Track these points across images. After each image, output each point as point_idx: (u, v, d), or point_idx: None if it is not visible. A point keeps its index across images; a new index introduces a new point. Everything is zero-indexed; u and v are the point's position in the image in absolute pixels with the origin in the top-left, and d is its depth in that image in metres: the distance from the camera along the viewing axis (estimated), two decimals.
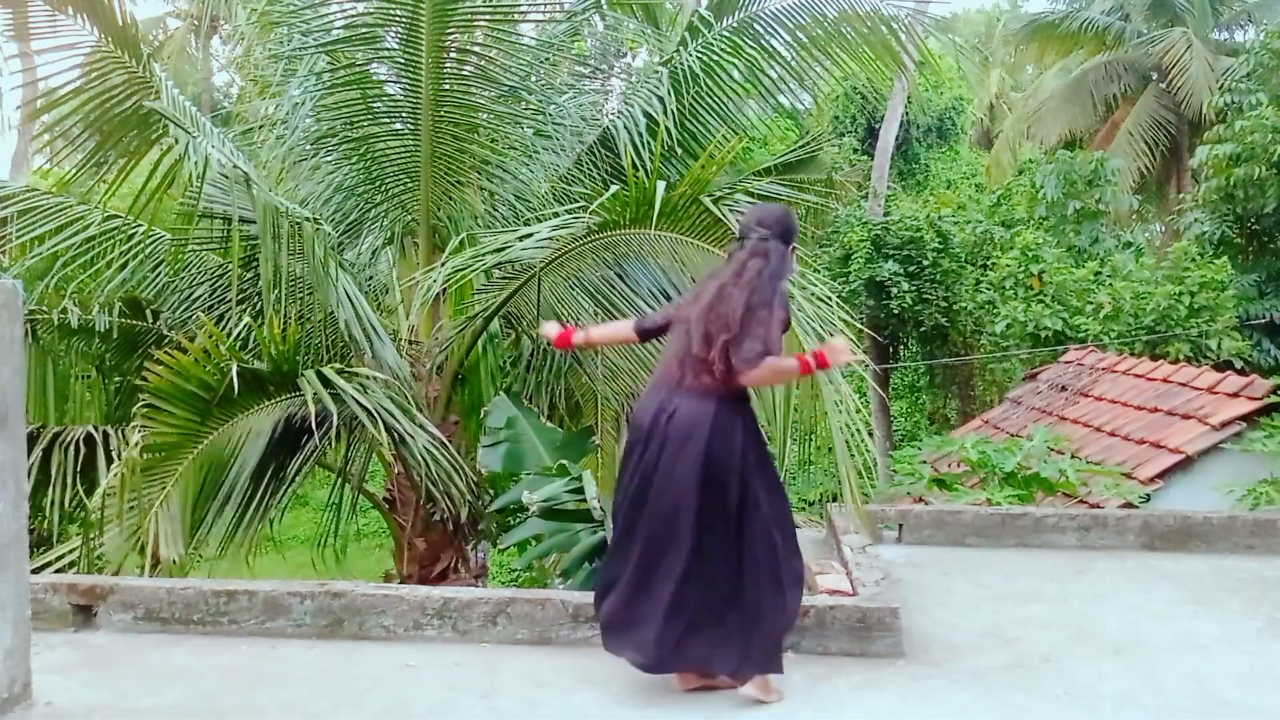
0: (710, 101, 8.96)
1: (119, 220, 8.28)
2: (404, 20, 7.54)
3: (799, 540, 4.02)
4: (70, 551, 6.95)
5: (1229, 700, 4.02)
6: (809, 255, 7.98)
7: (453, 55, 7.99)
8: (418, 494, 7.46)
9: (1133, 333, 14.24)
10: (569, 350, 4.60)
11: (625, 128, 8.40)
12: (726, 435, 3.83)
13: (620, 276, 7.82)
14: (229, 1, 10.09)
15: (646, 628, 3.82)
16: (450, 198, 8.16)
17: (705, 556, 3.81)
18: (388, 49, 7.96)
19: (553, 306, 8.11)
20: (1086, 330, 14.66)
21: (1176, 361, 12.59)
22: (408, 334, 8.20)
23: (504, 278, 7.70)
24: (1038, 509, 6.74)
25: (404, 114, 8.17)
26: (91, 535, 6.58)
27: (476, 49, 8.24)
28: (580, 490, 6.38)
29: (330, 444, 7.99)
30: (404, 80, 7.99)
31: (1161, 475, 8.92)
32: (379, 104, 8.19)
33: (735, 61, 8.88)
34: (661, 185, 6.43)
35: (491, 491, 7.76)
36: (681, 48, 8.78)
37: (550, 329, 4.64)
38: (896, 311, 19.69)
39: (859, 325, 19.64)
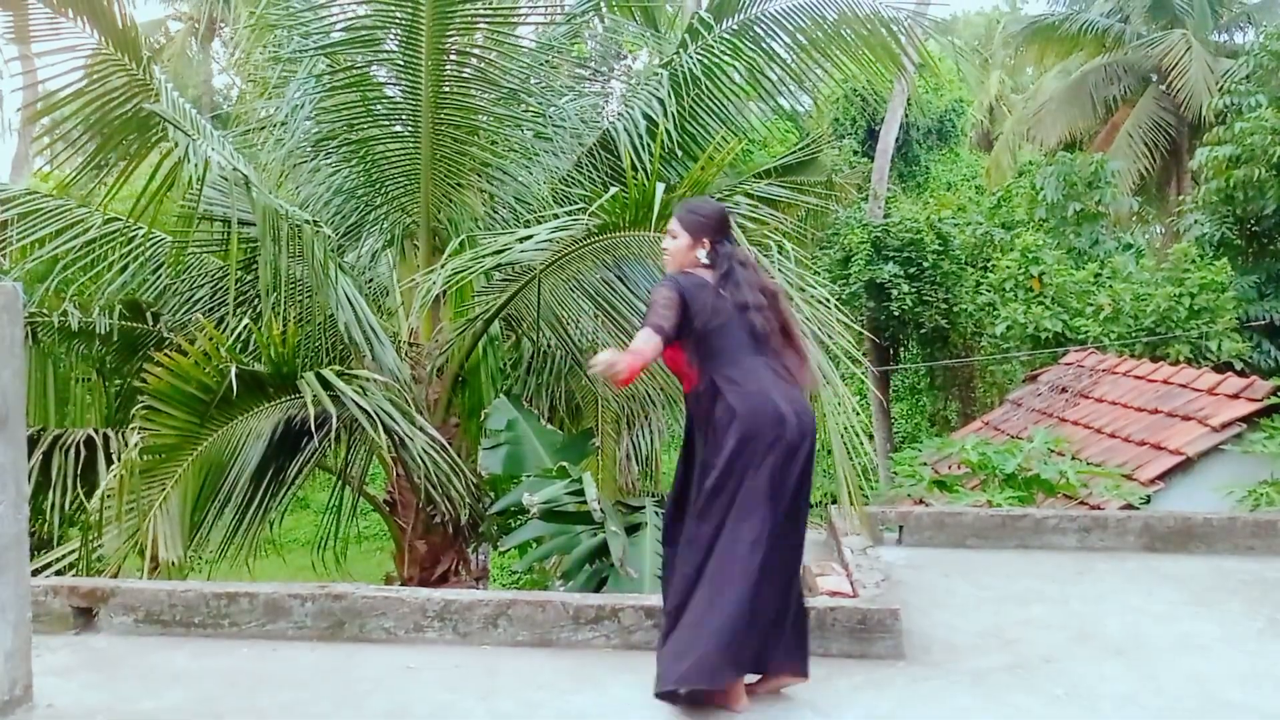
0: (710, 103, 8.95)
1: (119, 223, 8.27)
2: (404, 23, 7.54)
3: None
4: (70, 553, 6.95)
5: (1230, 701, 4.02)
6: (809, 258, 7.97)
7: (453, 58, 7.99)
8: (418, 496, 7.46)
9: (1133, 334, 14.24)
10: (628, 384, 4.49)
11: (625, 130, 8.40)
12: None
13: (620, 278, 7.83)
14: (229, 4, 10.09)
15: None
16: (450, 200, 8.16)
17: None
18: (387, 51, 7.96)
19: (553, 309, 8.13)
20: (1087, 332, 14.66)
21: (1177, 363, 12.60)
22: (408, 336, 8.19)
23: (504, 280, 7.69)
24: (1038, 510, 6.74)
25: (404, 116, 8.18)
26: (91, 537, 6.58)
27: (476, 51, 8.24)
28: (580, 492, 6.38)
29: (330, 446, 7.99)
30: (404, 83, 7.99)
31: (1162, 477, 8.91)
32: (379, 106, 8.19)
33: (735, 64, 8.87)
34: (661, 187, 6.44)
35: (492, 494, 7.76)
36: (681, 50, 8.78)
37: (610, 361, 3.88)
38: (897, 313, 19.68)
39: (858, 328, 19.72)
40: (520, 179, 8.57)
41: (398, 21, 7.60)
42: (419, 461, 6.89)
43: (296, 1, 8.48)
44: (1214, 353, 13.71)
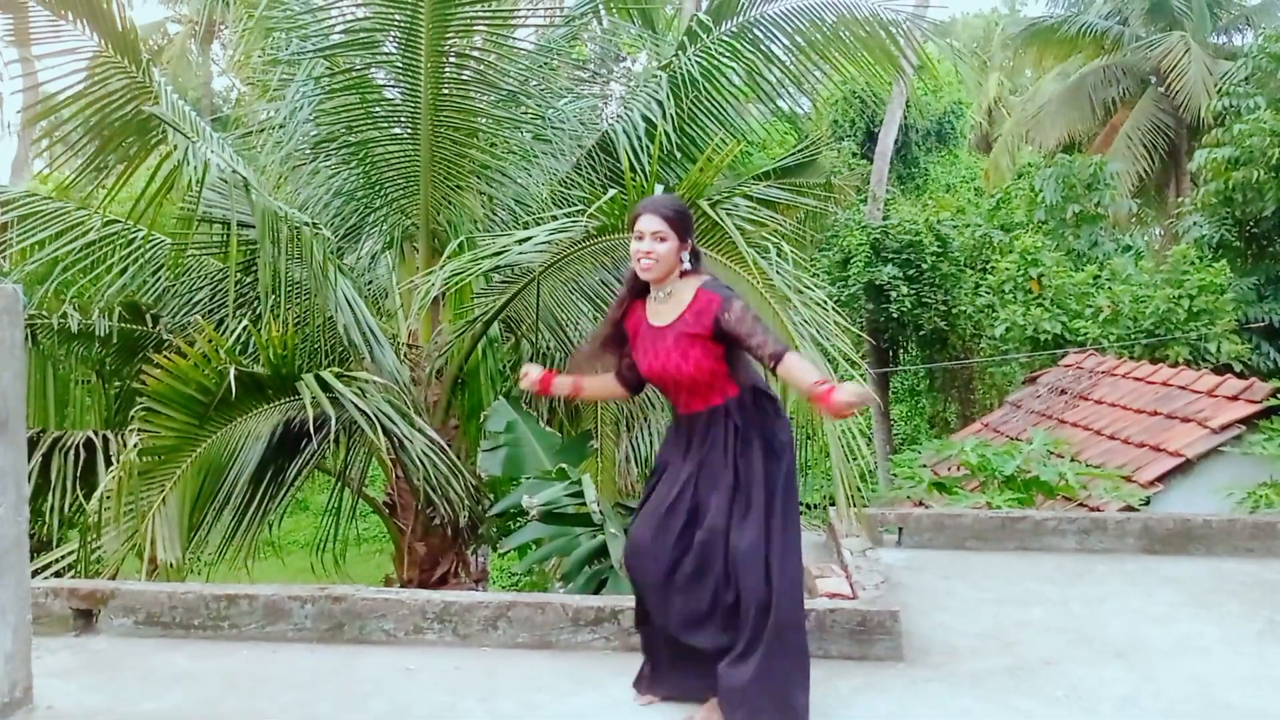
0: (709, 106, 8.95)
1: (119, 225, 8.28)
2: (402, 25, 7.54)
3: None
4: (68, 554, 6.95)
5: (1229, 703, 4.02)
6: (807, 260, 7.98)
7: (452, 60, 7.99)
8: (417, 498, 7.46)
9: (1132, 336, 14.25)
10: (547, 395, 4.39)
11: (624, 132, 8.40)
12: None
13: (619, 281, 7.82)
14: (228, 6, 10.09)
15: None
16: (449, 202, 8.16)
17: None
18: (386, 54, 7.96)
19: (552, 311, 8.13)
20: (1086, 334, 14.67)
21: (1176, 365, 12.60)
22: (407, 338, 8.20)
23: (503, 282, 7.70)
24: (1038, 512, 6.74)
25: (403, 119, 8.18)
26: (89, 539, 6.58)
27: (475, 54, 8.24)
28: (580, 494, 6.38)
29: (329, 448, 7.99)
30: (403, 85, 7.99)
31: (1161, 478, 8.92)
32: (378, 109, 8.19)
33: (734, 66, 8.87)
34: (659, 189, 6.44)
35: (491, 496, 7.76)
36: (680, 52, 8.78)
37: (531, 375, 4.22)
38: (896, 315, 19.70)
39: (857, 331, 19.72)
40: (519, 181, 8.57)
41: (396, 24, 7.60)
42: (418, 463, 6.89)
43: (295, 4, 8.49)
44: (1213, 354, 13.72)
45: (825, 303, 6.24)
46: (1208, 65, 21.53)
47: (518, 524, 7.12)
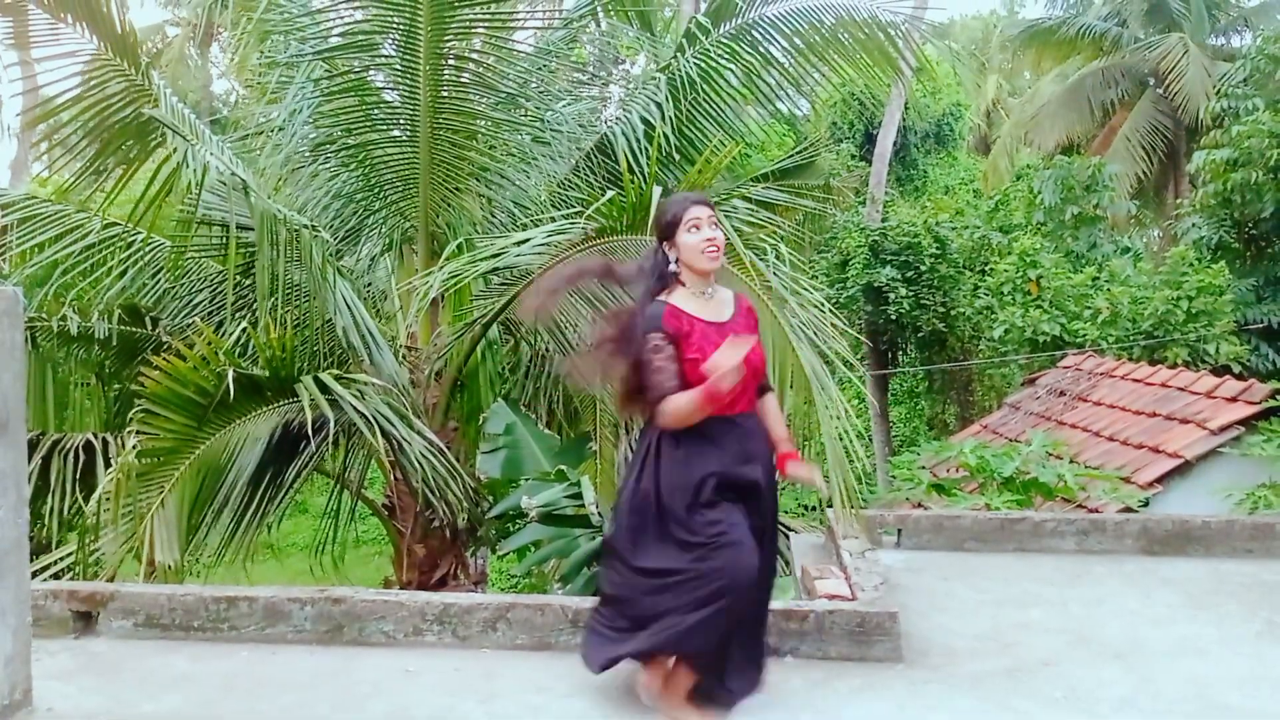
0: (708, 107, 8.96)
1: (118, 228, 8.28)
2: (401, 27, 7.55)
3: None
4: (66, 556, 6.95)
5: (1228, 704, 4.02)
6: (806, 261, 7.98)
7: (451, 62, 8.00)
8: (417, 500, 7.47)
9: (1131, 337, 14.26)
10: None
11: (623, 134, 8.41)
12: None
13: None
14: (227, 10, 10.10)
15: None
16: (449, 204, 8.17)
17: None
18: (385, 56, 7.97)
19: (550, 312, 8.11)
20: (1084, 335, 14.68)
21: (1175, 366, 12.61)
22: (406, 340, 8.20)
23: (502, 284, 7.70)
24: (1036, 514, 6.74)
25: (402, 121, 8.19)
26: (88, 540, 6.58)
27: (474, 56, 8.25)
28: (579, 496, 6.39)
29: (329, 450, 8.00)
30: (402, 87, 8.00)
31: (1160, 480, 8.93)
32: (377, 111, 8.20)
33: (733, 68, 8.88)
34: (658, 190, 6.44)
35: (491, 498, 7.77)
36: (679, 54, 8.79)
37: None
38: (894, 317, 19.71)
39: (855, 334, 19.73)
40: (518, 183, 8.59)
41: (395, 26, 7.61)
42: (417, 465, 6.89)
43: (293, 7, 8.49)
44: (1212, 356, 13.73)
45: (823, 304, 6.25)
46: (1206, 67, 21.55)
47: (517, 526, 7.13)
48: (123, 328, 8.56)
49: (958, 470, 8.96)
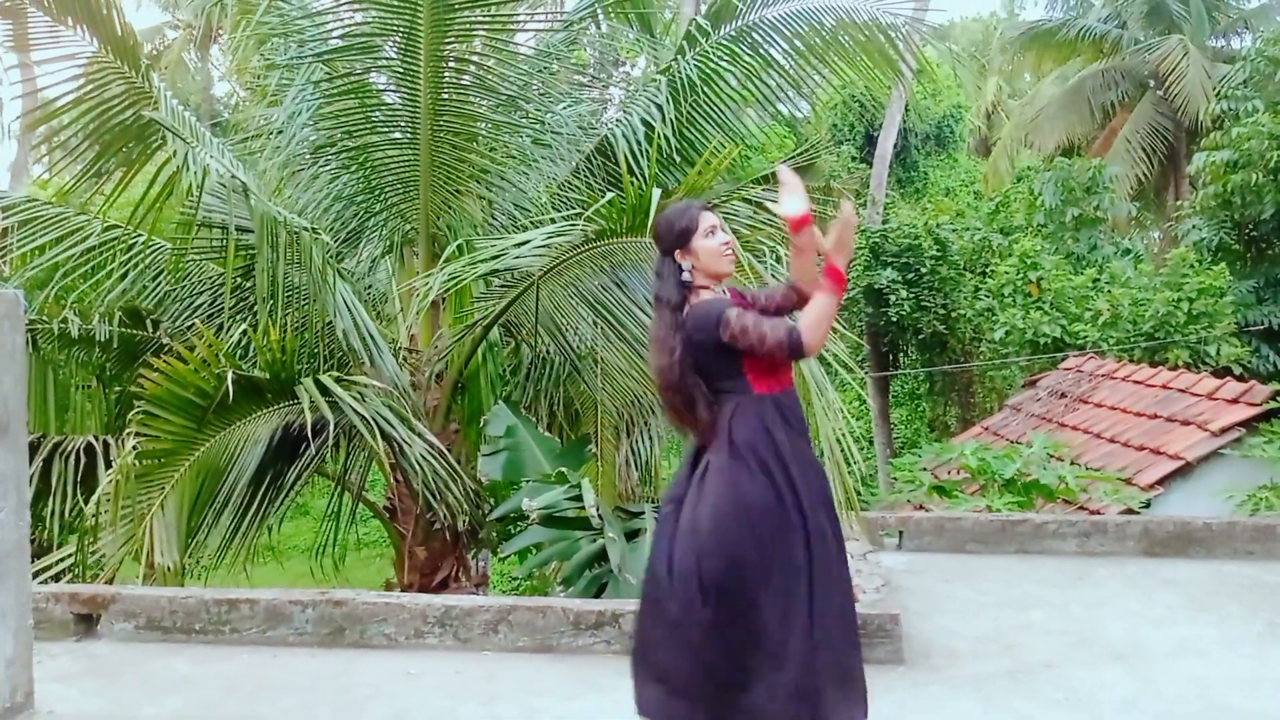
0: (708, 109, 8.95)
1: (119, 230, 8.29)
2: (402, 30, 7.55)
3: None
4: (66, 558, 6.94)
5: (1230, 705, 4.02)
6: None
7: (451, 65, 8.00)
8: (418, 503, 7.46)
9: (1131, 339, 14.26)
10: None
11: (624, 136, 8.40)
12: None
13: (618, 285, 7.83)
14: (224, 12, 10.10)
15: None
16: (449, 207, 8.17)
17: None
18: (386, 58, 7.97)
19: (551, 315, 8.12)
20: (1085, 337, 14.68)
21: (1175, 368, 12.61)
22: (407, 342, 8.20)
23: (503, 286, 7.70)
24: (1038, 515, 6.75)
25: (402, 123, 8.18)
26: (87, 541, 6.58)
27: (475, 58, 8.25)
28: (580, 498, 6.39)
29: (329, 453, 7.99)
30: (402, 89, 8.00)
31: (1161, 481, 8.92)
32: (377, 113, 8.20)
33: (733, 70, 8.87)
34: (657, 192, 6.44)
35: (492, 500, 7.76)
36: (679, 56, 8.79)
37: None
38: (895, 319, 19.69)
39: (855, 337, 19.73)
40: (519, 185, 8.58)
41: (396, 28, 7.61)
42: (417, 468, 6.89)
43: (293, 10, 8.49)
44: (1213, 357, 13.72)
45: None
46: (1206, 69, 21.54)
47: (518, 528, 7.13)
48: (123, 330, 8.56)
49: (959, 472, 8.96)
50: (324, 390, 6.52)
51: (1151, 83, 23.39)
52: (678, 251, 3.54)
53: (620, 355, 7.77)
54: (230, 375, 6.27)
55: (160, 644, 4.62)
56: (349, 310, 7.23)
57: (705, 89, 8.80)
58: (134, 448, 6.37)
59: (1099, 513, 7.97)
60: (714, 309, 3.40)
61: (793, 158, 11.51)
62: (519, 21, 9.06)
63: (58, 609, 4.68)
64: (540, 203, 8.62)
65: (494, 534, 7.77)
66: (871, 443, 22.15)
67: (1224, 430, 9.22)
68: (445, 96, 7.89)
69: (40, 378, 8.67)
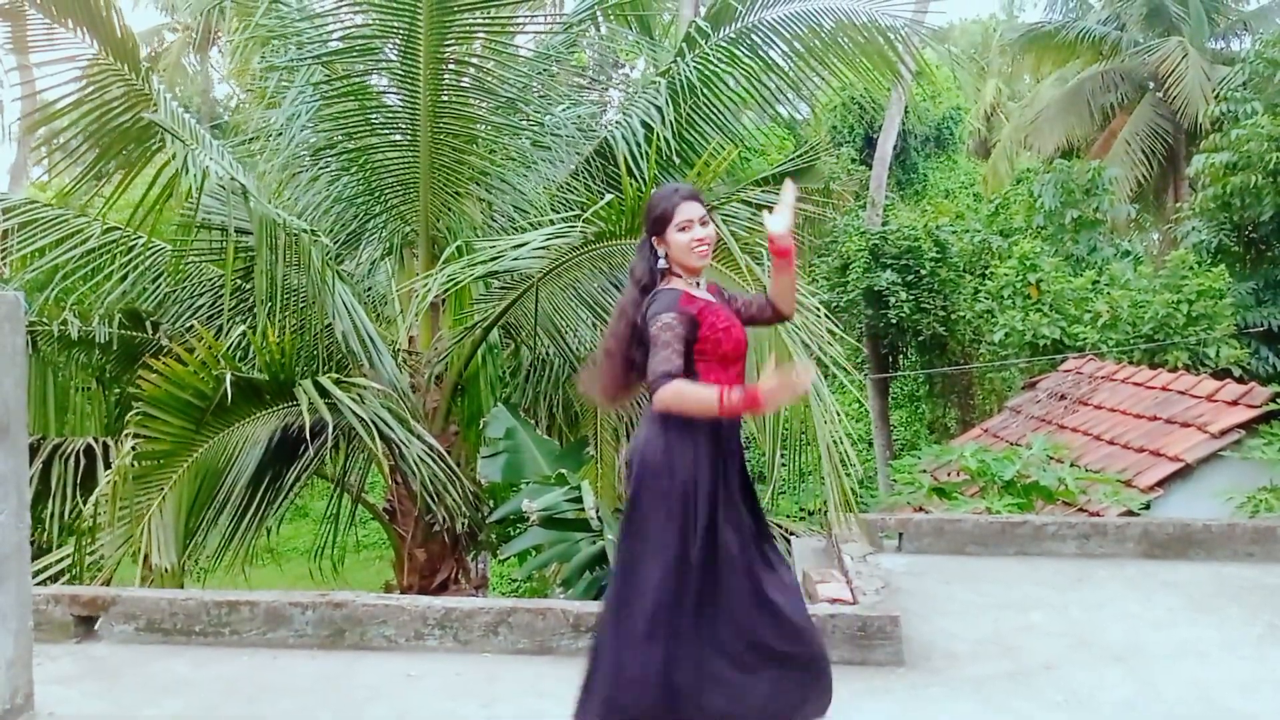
0: (708, 111, 8.96)
1: (119, 232, 8.29)
2: (402, 32, 7.55)
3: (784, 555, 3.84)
4: (63, 558, 6.94)
5: (1230, 707, 4.02)
6: (806, 266, 7.97)
7: (451, 67, 8.01)
8: (417, 505, 7.46)
9: (1131, 341, 14.25)
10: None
11: (623, 138, 8.41)
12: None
13: (617, 287, 7.83)
14: (225, 14, 10.10)
15: None
16: (449, 209, 8.17)
17: None
18: (386, 60, 7.97)
19: (550, 317, 8.13)
20: (1084, 339, 14.67)
21: (1175, 370, 12.60)
22: (406, 344, 8.20)
23: (502, 288, 7.71)
24: (1037, 517, 6.74)
25: (402, 125, 8.19)
26: (85, 542, 6.58)
27: (474, 60, 8.26)
28: (579, 499, 6.40)
29: (328, 454, 7.99)
30: (402, 91, 8.00)
31: (1161, 483, 8.92)
32: (377, 115, 8.20)
33: (732, 72, 8.88)
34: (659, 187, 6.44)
35: (491, 502, 7.76)
36: (679, 58, 8.80)
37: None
38: (895, 321, 19.68)
39: (852, 340, 19.72)
40: (519, 187, 8.59)
41: (396, 31, 7.61)
42: (417, 469, 6.89)
43: (293, 12, 8.50)
44: (1212, 359, 13.71)
45: (819, 309, 6.25)
46: (1205, 70, 21.55)
47: (518, 530, 7.14)
48: (123, 332, 8.56)
49: (958, 474, 8.96)
50: (323, 392, 6.52)
51: (1151, 85, 23.40)
52: (654, 238, 3.58)
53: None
54: (229, 377, 6.27)
55: (160, 646, 4.62)
56: (348, 312, 7.23)
57: (705, 91, 8.81)
58: (132, 449, 6.37)
59: (1099, 515, 7.96)
60: (661, 304, 3.48)
61: (792, 160, 11.51)
62: (519, 24, 9.07)
63: (58, 611, 4.68)
64: (540, 205, 8.62)
65: (493, 536, 7.78)
66: (871, 445, 22.16)
67: (1224, 432, 9.21)
68: (445, 98, 7.90)
69: (40, 379, 8.68)
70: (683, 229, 3.56)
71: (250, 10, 8.82)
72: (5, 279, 8.55)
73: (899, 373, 22.37)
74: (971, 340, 19.61)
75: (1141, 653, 4.59)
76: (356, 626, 4.63)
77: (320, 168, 8.49)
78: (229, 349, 7.01)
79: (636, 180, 6.95)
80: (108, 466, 7.48)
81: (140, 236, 8.29)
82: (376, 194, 8.32)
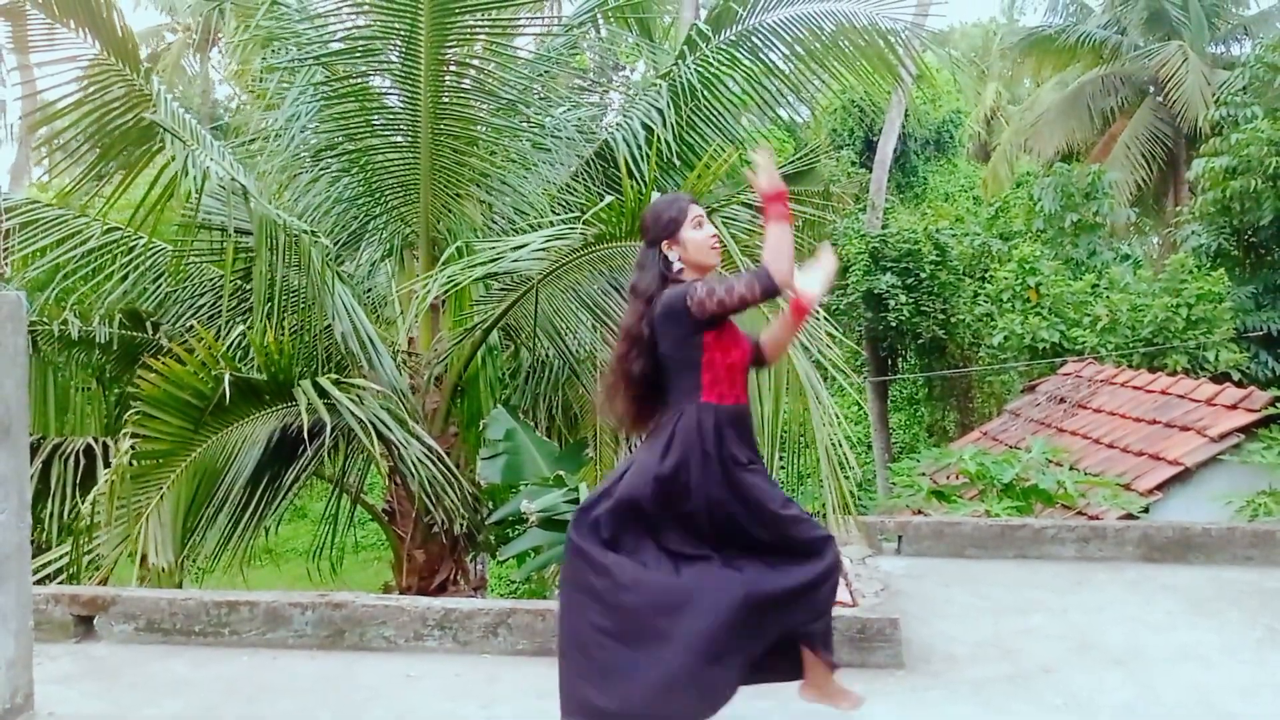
0: (708, 113, 8.96)
1: (119, 232, 8.29)
2: (403, 33, 7.55)
3: None
4: (60, 557, 6.94)
5: (1229, 711, 4.02)
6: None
7: (451, 68, 8.01)
8: (416, 506, 7.46)
9: (1130, 345, 14.27)
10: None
11: (624, 140, 8.41)
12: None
13: (617, 289, 7.84)
14: (225, 15, 10.12)
15: None
16: (449, 210, 8.17)
17: None
18: (386, 62, 7.98)
19: (550, 319, 8.12)
20: (1084, 342, 14.69)
21: (1174, 374, 12.62)
22: (406, 345, 8.20)
23: (502, 289, 7.70)
24: (1037, 520, 6.75)
25: (403, 126, 8.19)
26: (82, 541, 6.58)
27: (475, 62, 8.26)
28: (578, 501, 6.39)
29: (328, 455, 7.99)
30: (403, 93, 8.00)
31: (1160, 487, 8.93)
32: (378, 117, 8.21)
33: (733, 74, 8.89)
34: (656, 196, 6.44)
35: (490, 503, 7.76)
36: (680, 61, 8.80)
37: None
38: (894, 324, 19.71)
39: (851, 342, 19.73)
40: (519, 189, 8.59)
41: (396, 32, 7.61)
42: (415, 470, 6.89)
43: (293, 13, 8.50)
44: (1211, 363, 13.74)
45: (818, 311, 6.25)
46: (1205, 75, 21.58)
47: (516, 531, 7.13)
48: (123, 332, 8.56)
49: (958, 477, 8.96)
50: (322, 393, 6.51)
51: (1151, 89, 23.43)
52: (665, 242, 3.56)
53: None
54: (228, 377, 6.27)
55: (160, 646, 4.62)
56: (348, 313, 7.23)
57: (705, 93, 8.81)
58: (131, 448, 6.37)
59: (1098, 518, 7.97)
60: (682, 289, 3.45)
61: (793, 162, 11.52)
62: (519, 26, 9.07)
63: (58, 610, 4.68)
64: (540, 206, 8.62)
65: (492, 537, 7.77)
66: (870, 447, 22.16)
67: (1223, 436, 9.23)
68: (445, 100, 7.90)
69: (40, 379, 8.68)
70: (697, 226, 3.56)
71: (250, 11, 8.82)
72: (6, 279, 8.54)
73: (898, 376, 22.39)
74: (971, 343, 19.63)
75: (1141, 656, 4.59)
76: (356, 627, 4.64)
77: (320, 169, 8.49)
78: (228, 349, 7.01)
79: (637, 182, 6.95)
80: (107, 466, 7.48)
81: (141, 237, 8.29)
82: (377, 195, 8.32)
